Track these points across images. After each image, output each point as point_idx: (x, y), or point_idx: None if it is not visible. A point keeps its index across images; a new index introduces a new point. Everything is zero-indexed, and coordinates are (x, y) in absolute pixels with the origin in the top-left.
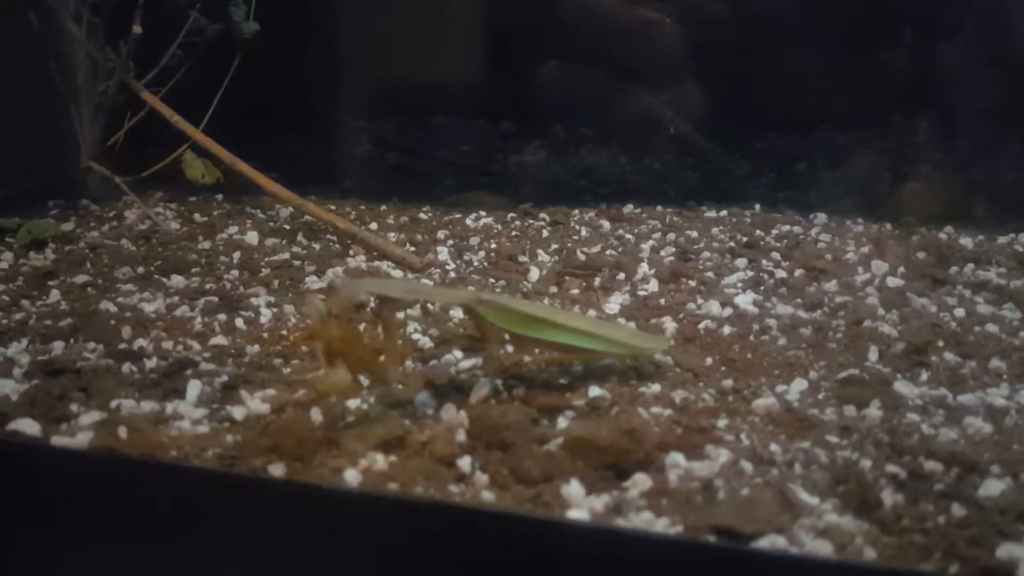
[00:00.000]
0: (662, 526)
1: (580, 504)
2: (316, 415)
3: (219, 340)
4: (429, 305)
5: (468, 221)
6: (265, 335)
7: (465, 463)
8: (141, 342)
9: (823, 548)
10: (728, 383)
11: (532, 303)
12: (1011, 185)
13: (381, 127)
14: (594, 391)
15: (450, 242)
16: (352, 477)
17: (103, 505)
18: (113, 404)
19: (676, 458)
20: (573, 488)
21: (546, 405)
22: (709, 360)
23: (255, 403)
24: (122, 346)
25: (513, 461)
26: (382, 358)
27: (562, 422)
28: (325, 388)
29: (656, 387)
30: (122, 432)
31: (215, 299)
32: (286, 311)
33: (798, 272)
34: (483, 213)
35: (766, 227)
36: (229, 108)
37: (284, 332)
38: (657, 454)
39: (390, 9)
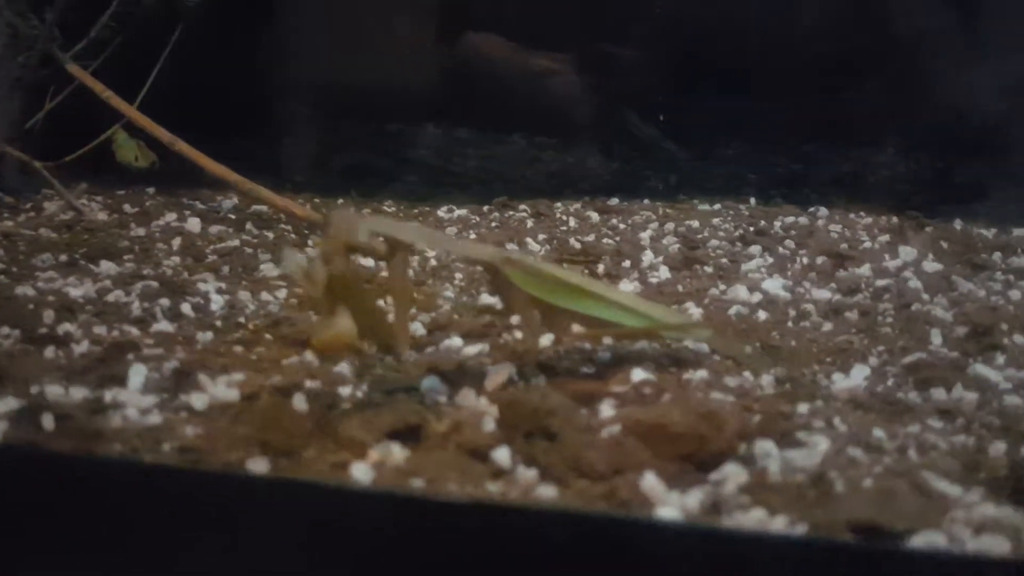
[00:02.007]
0: (781, 525)
1: (665, 501)
2: (300, 402)
3: (163, 326)
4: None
5: (440, 213)
6: (218, 323)
7: (502, 455)
8: (67, 327)
9: (994, 545)
10: (780, 370)
11: (565, 269)
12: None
13: (336, 121)
14: (638, 374)
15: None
16: (362, 473)
17: (24, 511)
18: (33, 390)
19: (766, 446)
20: (651, 482)
21: (583, 391)
22: (748, 347)
23: (219, 389)
24: (43, 331)
25: (566, 452)
26: (391, 318)
27: (606, 409)
28: (325, 341)
29: (702, 373)
30: (47, 422)
31: (154, 284)
32: (240, 298)
33: (820, 258)
34: (454, 207)
35: (768, 218)
36: (167, 92)
37: (242, 320)
38: (740, 442)
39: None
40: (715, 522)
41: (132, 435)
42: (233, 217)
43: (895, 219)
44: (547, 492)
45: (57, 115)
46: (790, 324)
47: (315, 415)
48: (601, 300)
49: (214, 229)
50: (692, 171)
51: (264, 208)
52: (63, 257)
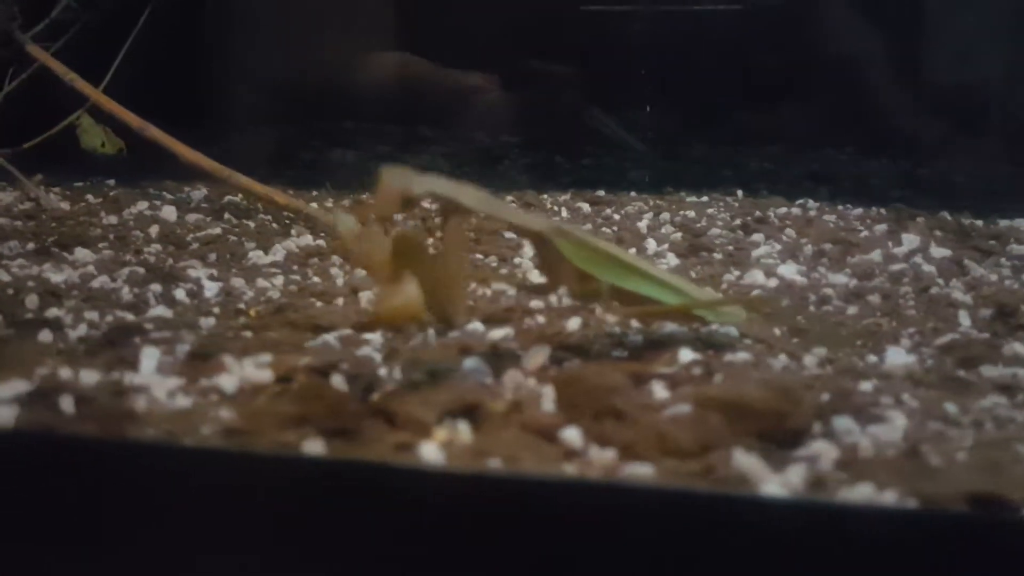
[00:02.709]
0: (892, 499)
1: (765, 478)
2: (338, 383)
3: (160, 311)
4: None
5: (426, 205)
6: (216, 309)
7: (572, 435)
8: (56, 312)
9: None
10: (818, 352)
11: (613, 244)
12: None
13: (293, 115)
14: (686, 355)
15: (411, 223)
16: (431, 453)
17: (48, 499)
18: (40, 373)
19: (844, 423)
20: (745, 459)
21: (632, 372)
22: (776, 331)
23: (249, 370)
24: (28, 315)
25: (642, 430)
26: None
27: (659, 390)
28: (392, 311)
29: (743, 355)
30: (66, 405)
31: (140, 270)
32: (235, 285)
33: (826, 245)
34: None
35: (762, 208)
36: (130, 77)
37: (241, 306)
38: (816, 418)
39: None
40: (827, 498)
41: (164, 418)
42: (206, 206)
43: (882, 211)
44: (640, 471)
45: (14, 100)
46: (812, 308)
47: (358, 395)
48: (649, 277)
49: (191, 218)
50: (666, 167)
51: (237, 198)
52: (31, 245)
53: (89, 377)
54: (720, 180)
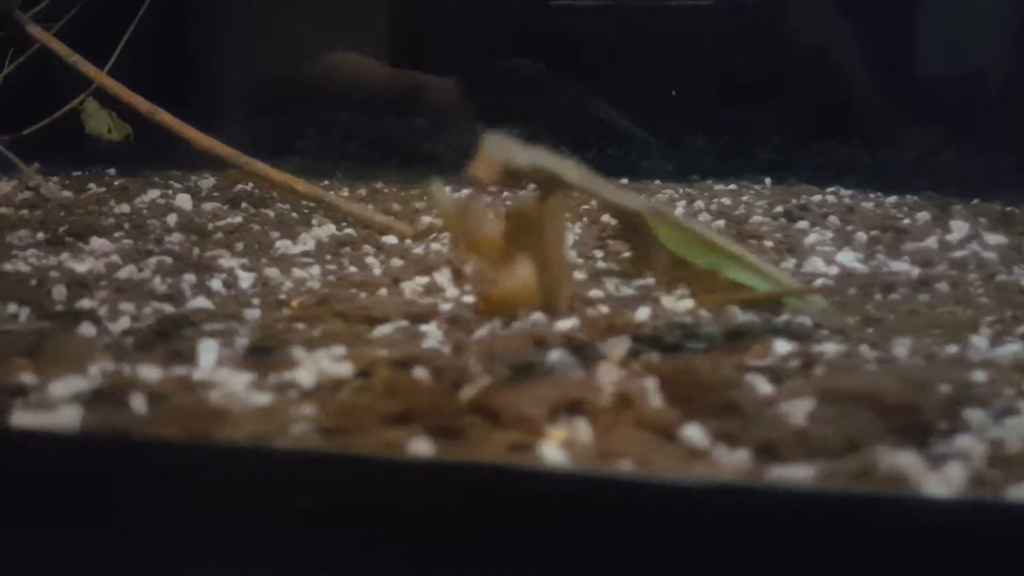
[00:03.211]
0: None
1: (924, 476)
2: (423, 377)
3: (200, 303)
4: None
5: (446, 191)
6: (255, 300)
7: (694, 434)
8: (87, 303)
9: None
10: (904, 342)
11: (710, 228)
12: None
13: (304, 102)
14: (781, 346)
15: (435, 211)
16: (554, 453)
17: (128, 513)
18: (93, 370)
19: (976, 415)
20: (899, 457)
21: (732, 364)
22: (849, 320)
23: (325, 364)
24: (59, 307)
25: (776, 427)
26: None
27: (761, 383)
28: (505, 296)
29: (829, 346)
30: (138, 404)
31: (168, 260)
32: (270, 275)
33: (875, 232)
34: (453, 187)
35: (796, 196)
36: (133, 60)
37: (282, 297)
38: (943, 412)
39: None
40: (994, 497)
41: (247, 417)
42: (219, 195)
43: (914, 199)
44: (795, 473)
45: (12, 84)
46: (879, 296)
47: (449, 390)
48: (744, 263)
49: (208, 206)
50: (676, 156)
51: (248, 187)
52: (41, 235)
53: (151, 373)
54: (737, 169)
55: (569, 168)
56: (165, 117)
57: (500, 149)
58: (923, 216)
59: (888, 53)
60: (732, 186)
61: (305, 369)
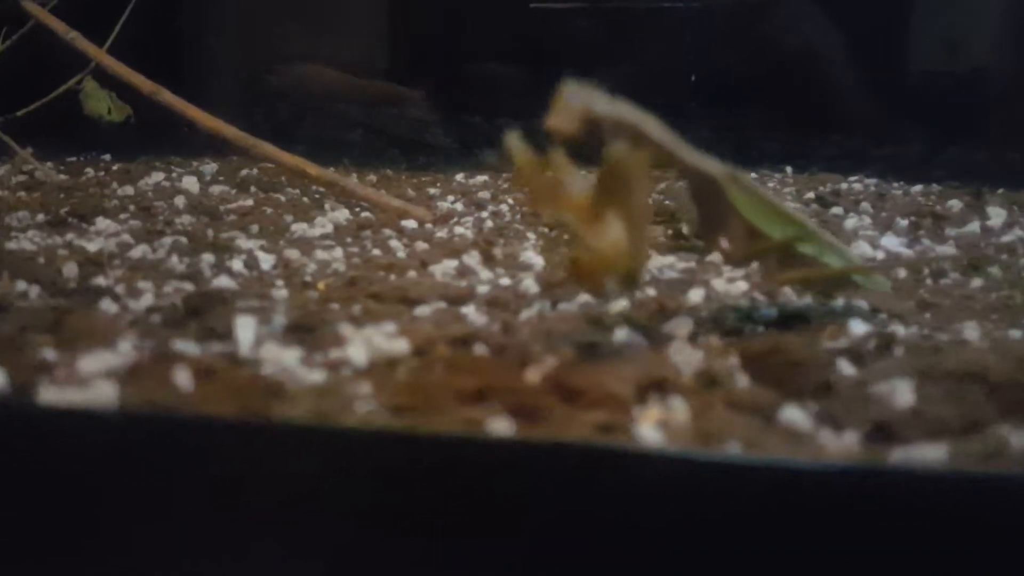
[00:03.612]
0: None
1: None
2: (483, 351)
3: (223, 282)
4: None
5: (459, 178)
6: (280, 281)
7: (795, 415)
8: (101, 280)
9: None
10: (969, 325)
11: (786, 201)
12: None
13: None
14: (856, 327)
15: (451, 197)
16: (650, 434)
17: (177, 498)
18: (124, 346)
19: None
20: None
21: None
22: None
23: (380, 341)
24: (72, 285)
25: (883, 407)
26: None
27: (845, 365)
28: (598, 258)
29: (897, 327)
30: (182, 379)
31: (183, 240)
32: (291, 257)
33: (913, 217)
34: (465, 174)
35: (821, 183)
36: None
37: (308, 279)
38: None
39: None
40: None
41: (306, 395)
42: (224, 179)
43: (937, 187)
44: (930, 453)
45: (5, 63)
46: (930, 281)
47: (518, 368)
48: (816, 238)
49: (216, 190)
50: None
51: (253, 172)
52: (41, 216)
53: (187, 347)
54: (751, 160)
55: (652, 123)
56: (168, 97)
57: (580, 97)
58: (955, 203)
59: (892, 47)
60: (752, 175)
61: (356, 347)
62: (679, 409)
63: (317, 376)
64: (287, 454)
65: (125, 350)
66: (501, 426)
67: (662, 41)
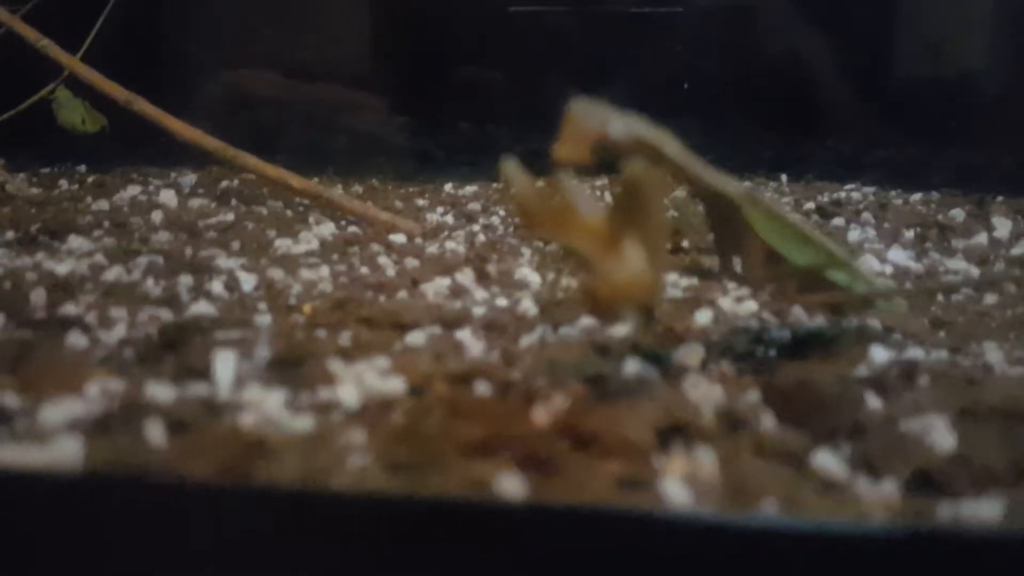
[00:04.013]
0: None
1: None
2: (488, 392)
3: (202, 308)
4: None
5: (448, 188)
6: (263, 304)
7: (828, 461)
8: (72, 309)
9: None
10: (989, 346)
11: (807, 221)
12: None
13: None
14: (878, 353)
15: (440, 209)
16: (677, 491)
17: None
18: (92, 390)
19: None
20: None
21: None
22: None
23: (371, 379)
24: (40, 315)
25: (919, 450)
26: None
27: (871, 398)
28: (618, 288)
29: (915, 351)
30: (155, 432)
31: (159, 260)
32: (274, 277)
33: (918, 229)
34: (454, 184)
35: (819, 192)
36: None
37: (293, 300)
38: None
39: None
40: None
41: (291, 449)
42: (204, 192)
43: (935, 194)
44: (982, 510)
45: None
46: (940, 297)
47: (524, 409)
48: (837, 261)
49: (195, 203)
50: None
51: (234, 183)
52: (11, 233)
53: (162, 392)
54: (743, 166)
55: (669, 141)
56: (145, 107)
57: (591, 118)
58: (958, 213)
59: (884, 50)
60: (747, 183)
61: (347, 385)
62: (705, 459)
63: (304, 423)
64: (271, 521)
65: (93, 394)
66: (511, 484)
67: (650, 45)
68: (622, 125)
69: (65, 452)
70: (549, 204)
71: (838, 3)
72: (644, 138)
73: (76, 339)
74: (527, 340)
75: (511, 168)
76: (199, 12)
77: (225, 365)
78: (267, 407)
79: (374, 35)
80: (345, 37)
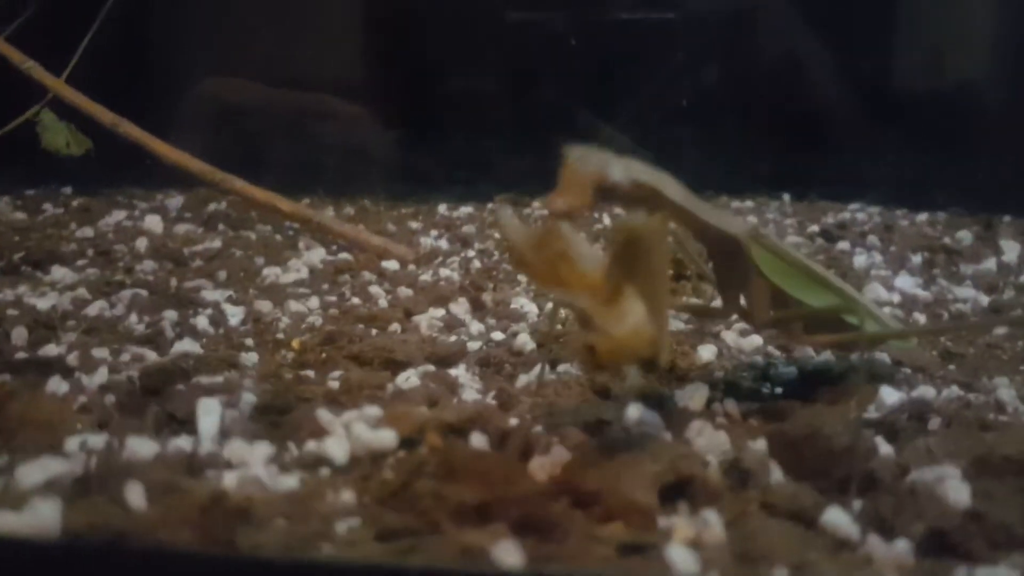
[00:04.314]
0: None
1: None
2: (483, 445)
3: (186, 346)
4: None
5: (442, 209)
6: (249, 340)
7: (838, 519)
8: (53, 349)
9: None
10: (1000, 381)
11: (813, 258)
12: None
13: (270, 110)
14: (888, 394)
15: (434, 232)
16: (683, 560)
17: None
18: (71, 445)
19: None
20: None
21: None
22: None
23: (360, 430)
24: (21, 355)
25: (930, 505)
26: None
27: (882, 443)
28: (619, 345)
29: (927, 390)
30: (134, 495)
31: (143, 293)
32: (261, 309)
33: (925, 253)
34: (448, 205)
35: (823, 213)
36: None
37: (280, 336)
38: None
39: None
40: None
41: (276, 511)
42: (191, 216)
43: (941, 214)
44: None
45: None
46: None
47: (517, 461)
48: (847, 300)
49: (180, 229)
50: (677, 170)
51: (222, 206)
52: None
53: (143, 447)
54: (745, 184)
55: (669, 183)
56: (131, 130)
57: (590, 164)
58: (965, 235)
59: (888, 66)
60: (750, 203)
61: (335, 439)
62: (712, 520)
63: (291, 481)
64: None
65: (72, 450)
66: (508, 551)
67: (650, 56)
68: (621, 169)
69: (42, 517)
70: (545, 254)
71: (841, 16)
72: (643, 181)
73: (57, 384)
74: (524, 379)
75: (505, 216)
76: (187, 31)
77: (208, 415)
78: (252, 462)
79: (366, 48)
80: (336, 51)
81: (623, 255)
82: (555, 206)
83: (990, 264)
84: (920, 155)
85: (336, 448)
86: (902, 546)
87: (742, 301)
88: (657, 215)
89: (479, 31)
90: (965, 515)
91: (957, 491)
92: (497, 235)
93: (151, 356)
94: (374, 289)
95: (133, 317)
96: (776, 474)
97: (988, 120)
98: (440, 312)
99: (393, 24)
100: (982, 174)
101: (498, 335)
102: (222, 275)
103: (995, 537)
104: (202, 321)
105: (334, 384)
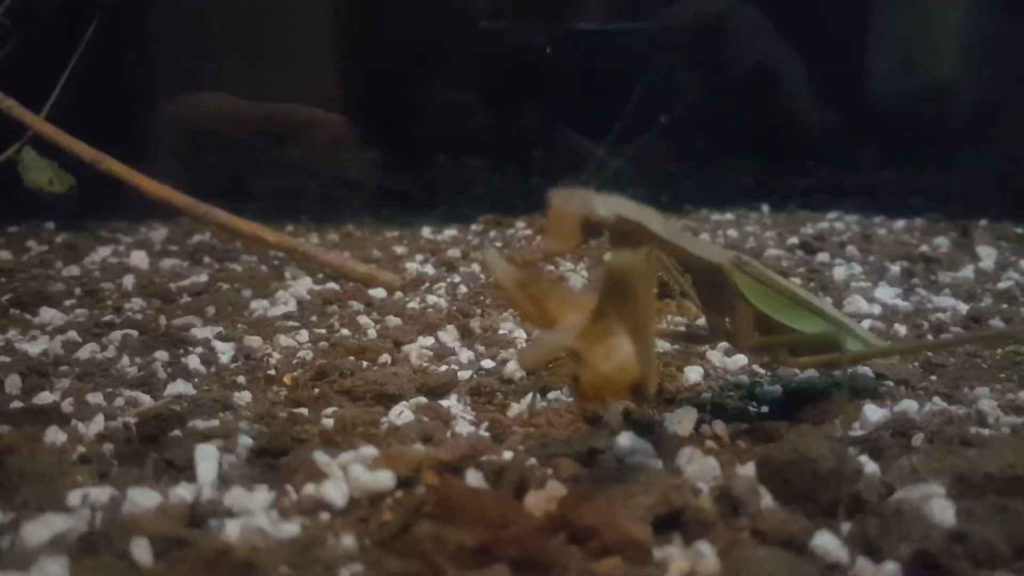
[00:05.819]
0: None
1: None
2: (479, 483)
3: (179, 388)
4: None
5: (426, 233)
6: (241, 378)
7: (828, 543)
8: (47, 396)
9: None
10: (981, 391)
11: (797, 283)
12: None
13: (249, 139)
14: (873, 413)
15: (419, 257)
16: None
17: None
18: (73, 499)
19: None
20: None
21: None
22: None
23: (357, 472)
24: (16, 404)
25: (919, 527)
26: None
27: (867, 462)
28: (606, 380)
29: (910, 404)
30: (140, 552)
31: (133, 333)
32: (251, 345)
33: (904, 262)
34: (432, 228)
35: (801, 223)
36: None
37: (271, 372)
38: None
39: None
40: None
41: (280, 561)
42: (176, 249)
43: (918, 220)
44: None
45: None
46: (931, 337)
47: (512, 497)
48: (831, 323)
49: (166, 264)
50: (656, 184)
51: (207, 237)
52: None
53: (144, 498)
54: (724, 196)
55: (653, 216)
56: (113, 166)
57: (574, 203)
58: (943, 242)
59: (863, 74)
60: (729, 215)
61: (333, 483)
62: (706, 553)
63: (292, 528)
64: None
65: (75, 504)
66: None
67: (624, 65)
68: (605, 205)
69: (51, 575)
70: (533, 293)
71: (816, 28)
72: (627, 216)
73: (55, 435)
74: (516, 408)
75: (491, 257)
76: (165, 64)
77: (206, 461)
78: (253, 509)
79: (345, 70)
80: (315, 74)
81: (610, 292)
82: (546, 249)
83: (967, 272)
84: (896, 162)
85: (334, 491)
86: (890, 568)
87: (728, 325)
88: (643, 250)
89: (459, 50)
90: (950, 535)
91: (942, 510)
92: (481, 259)
93: (145, 399)
94: (363, 319)
95: (125, 359)
96: (766, 499)
97: (962, 125)
98: (429, 341)
99: (372, 46)
100: (957, 179)
101: (488, 363)
102: (210, 311)
103: (979, 556)
104: (193, 360)
105: (328, 422)
